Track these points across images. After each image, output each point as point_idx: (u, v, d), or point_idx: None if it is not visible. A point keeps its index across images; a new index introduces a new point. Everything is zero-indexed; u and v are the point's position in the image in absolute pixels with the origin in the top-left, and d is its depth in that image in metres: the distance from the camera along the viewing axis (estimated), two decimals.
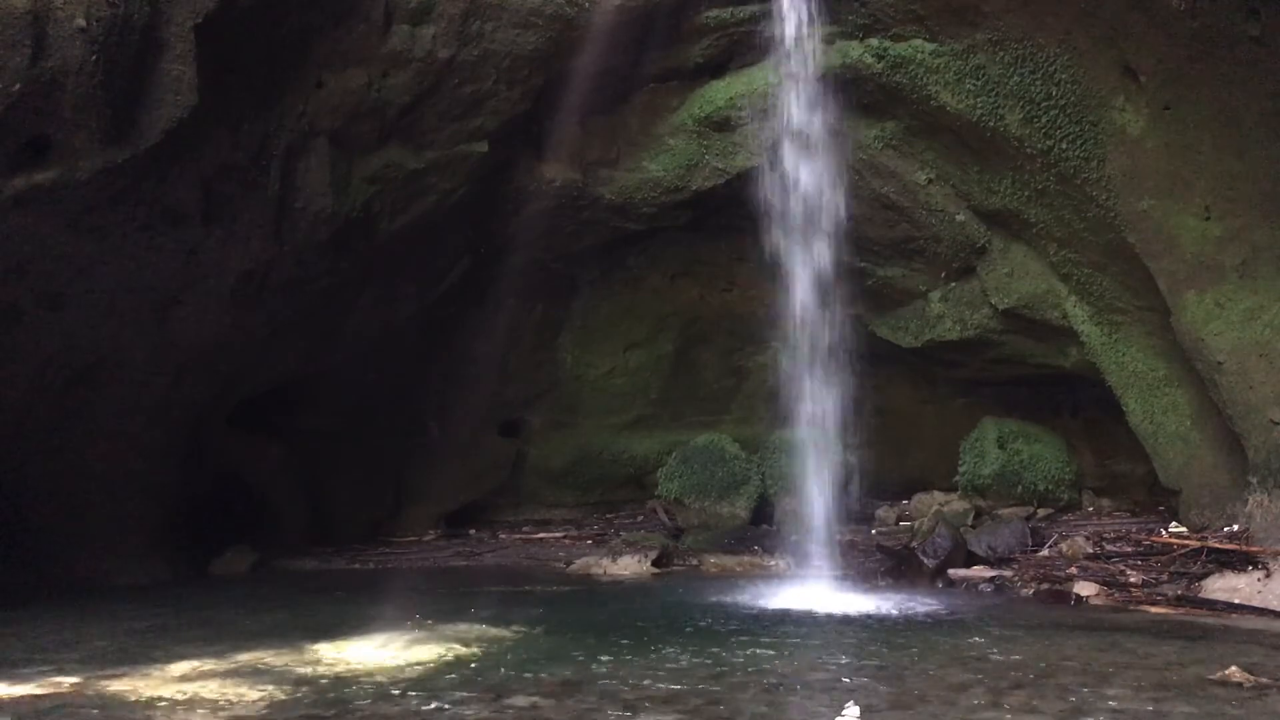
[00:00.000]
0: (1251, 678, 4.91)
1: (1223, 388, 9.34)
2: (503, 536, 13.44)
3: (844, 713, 2.13)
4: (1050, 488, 12.20)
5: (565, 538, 13.23)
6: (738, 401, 14.03)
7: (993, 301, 11.57)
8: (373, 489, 13.34)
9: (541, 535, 13.38)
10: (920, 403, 13.84)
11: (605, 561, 11.04)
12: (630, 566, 10.91)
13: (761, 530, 12.30)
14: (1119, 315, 10.64)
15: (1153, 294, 9.82)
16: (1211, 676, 4.97)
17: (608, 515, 14.09)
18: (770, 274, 11.41)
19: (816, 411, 11.10)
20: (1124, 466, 12.73)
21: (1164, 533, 9.70)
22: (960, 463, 12.58)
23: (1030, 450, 12.32)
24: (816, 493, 10.99)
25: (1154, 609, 7.84)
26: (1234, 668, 5.02)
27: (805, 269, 11.02)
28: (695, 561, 11.40)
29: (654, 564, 11.07)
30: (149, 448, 10.61)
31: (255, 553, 11.58)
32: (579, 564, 11.31)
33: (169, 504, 10.97)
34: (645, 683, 4.89)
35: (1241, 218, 9.03)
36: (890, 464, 13.07)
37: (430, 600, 8.58)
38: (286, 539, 12.29)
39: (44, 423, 9.67)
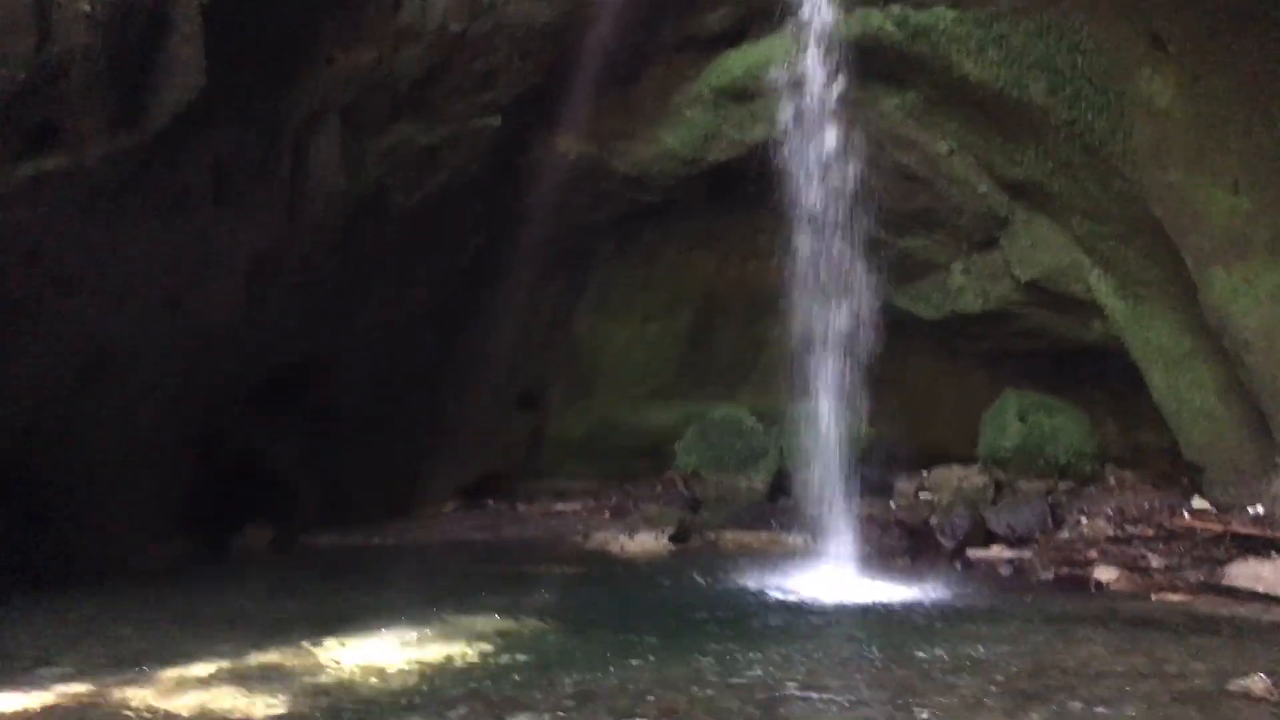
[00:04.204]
0: (1274, 691, 4.82)
1: (1250, 366, 9.19)
2: (521, 509, 13.45)
3: None
4: (1072, 460, 12.07)
5: (583, 510, 13.23)
6: (756, 373, 13.92)
7: (1015, 274, 11.40)
8: (390, 463, 13.32)
9: (559, 507, 13.38)
10: (940, 374, 13.70)
11: (622, 538, 11.03)
12: (647, 544, 10.89)
13: (779, 504, 12.24)
14: (1144, 289, 10.46)
15: (1179, 268, 9.63)
16: (1231, 688, 4.87)
17: (626, 486, 14.05)
18: (788, 246, 11.27)
19: (835, 384, 11.02)
20: (1148, 437, 12.57)
21: (1186, 514, 9.57)
22: (981, 435, 12.48)
23: (1052, 423, 12.19)
24: (835, 466, 10.92)
25: (1175, 597, 7.74)
26: (1256, 677, 4.93)
27: (824, 240, 10.88)
28: (713, 537, 11.36)
29: (671, 540, 11.05)
30: (166, 430, 10.63)
31: (274, 529, 11.63)
32: (596, 539, 11.30)
33: (187, 484, 11.00)
34: (653, 694, 4.85)
35: (1271, 192, 8.82)
36: (910, 436, 12.96)
37: (445, 583, 8.56)
38: (305, 515, 12.32)
39: (60, 408, 9.66)
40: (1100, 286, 10.80)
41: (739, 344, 13.90)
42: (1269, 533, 8.30)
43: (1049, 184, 10.34)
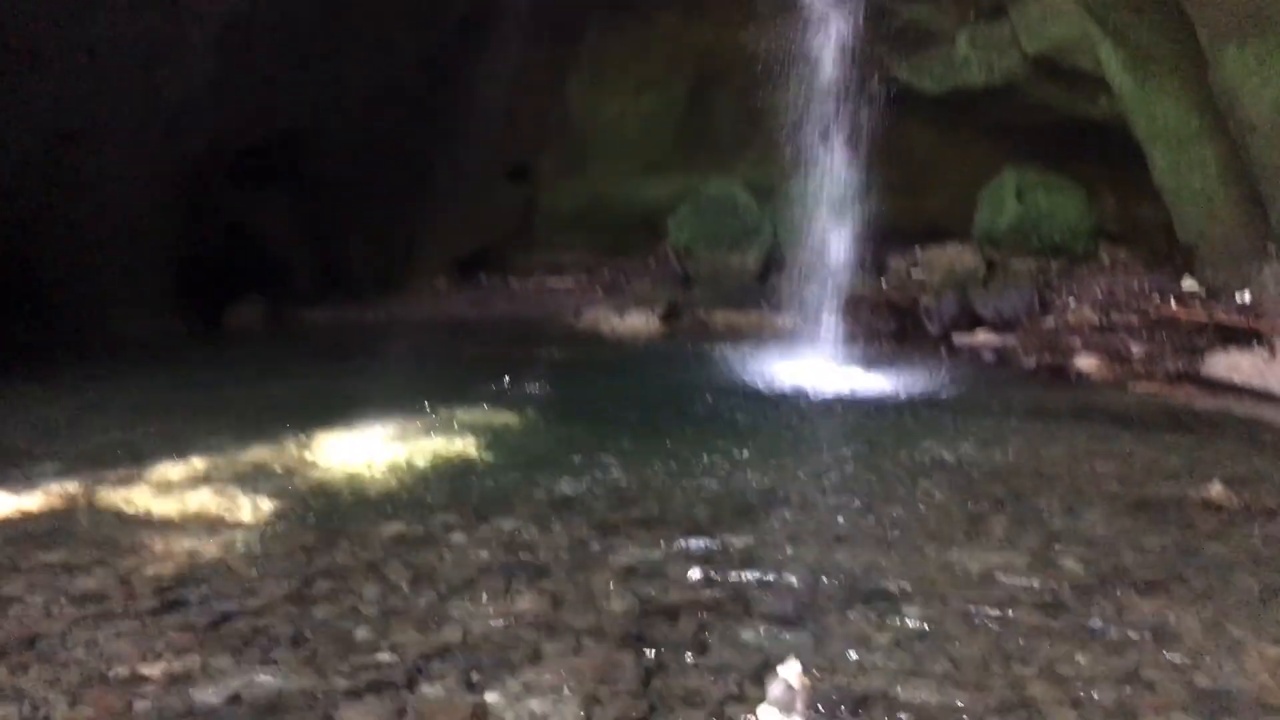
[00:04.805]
0: (1234, 497, 4.94)
1: (1254, 148, 8.99)
2: (513, 284, 13.47)
3: (784, 667, 2.16)
4: (1066, 239, 11.97)
5: (576, 286, 13.24)
6: (753, 146, 13.58)
7: (1023, 45, 10.97)
8: (382, 237, 13.28)
9: (552, 283, 13.39)
10: (940, 148, 13.37)
11: (614, 318, 11.10)
12: (637, 324, 10.97)
13: (771, 283, 12.23)
14: (1154, 65, 10.07)
15: (1191, 44, 9.26)
16: (1194, 496, 4.99)
17: (619, 261, 14.02)
18: (789, 11, 10.81)
19: (833, 156, 10.84)
20: (1146, 212, 12.39)
21: (1172, 301, 9.55)
22: (977, 213, 12.33)
23: (1049, 201, 12.03)
24: (827, 244, 10.88)
25: (1152, 387, 7.85)
26: (1217, 485, 5.04)
27: (826, 6, 10.46)
28: (703, 316, 11.43)
29: (662, 320, 11.11)
30: (152, 202, 10.56)
31: (267, 304, 11.68)
32: (588, 318, 11.37)
33: (179, 258, 10.99)
34: (630, 501, 4.98)
35: None
36: (906, 210, 12.77)
37: (433, 368, 8.67)
38: (298, 289, 12.36)
39: (43, 182, 9.57)
40: (1110, 61, 10.39)
41: (735, 116, 13.50)
42: (1252, 322, 8.31)
43: None
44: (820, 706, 2.94)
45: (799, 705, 2.27)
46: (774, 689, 2.28)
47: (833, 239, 10.91)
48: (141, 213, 10.51)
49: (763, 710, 2.31)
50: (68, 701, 3.08)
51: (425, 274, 13.51)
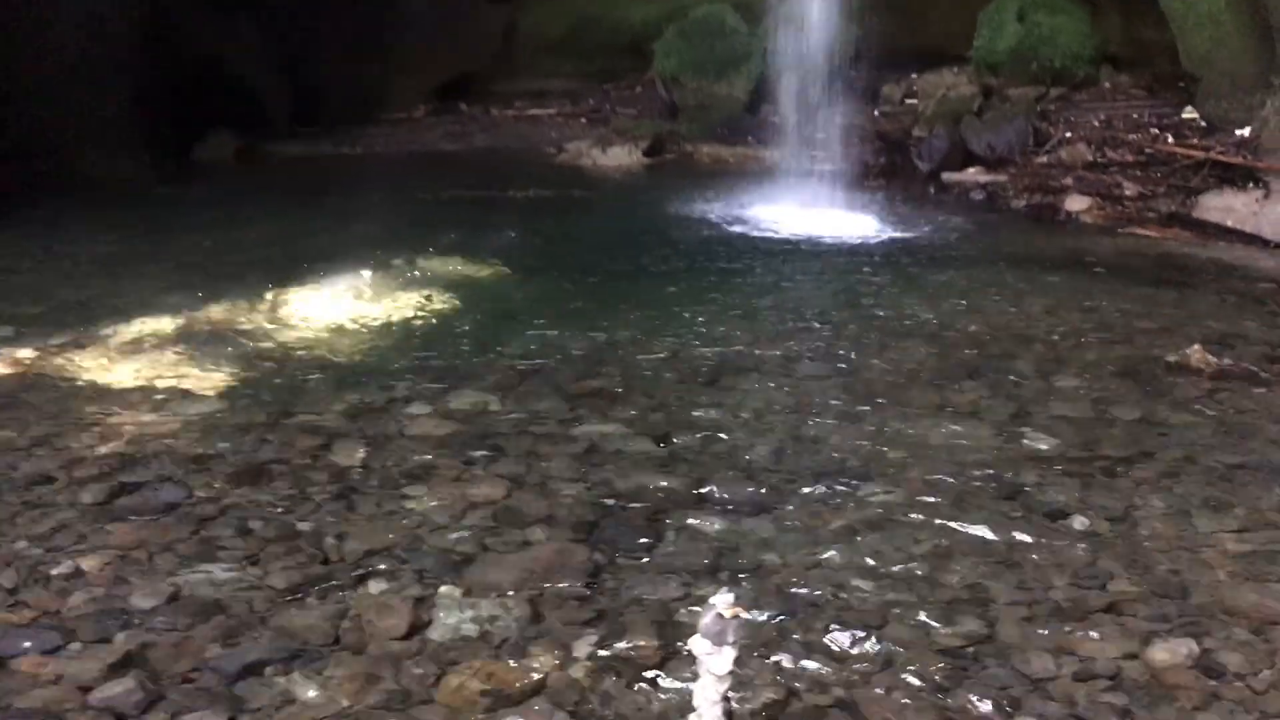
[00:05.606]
0: (1212, 360, 4.83)
1: None
2: (495, 113, 13.04)
3: (716, 597, 2.10)
4: (1067, 64, 11.51)
5: (559, 114, 12.82)
6: None
7: None
8: (358, 63, 12.75)
9: (534, 112, 12.95)
10: None
11: (595, 152, 10.78)
12: (620, 158, 10.66)
13: (759, 114, 11.80)
14: None
15: None
16: (1170, 359, 4.88)
17: (605, 86, 13.53)
18: None
19: None
20: (1151, 34, 11.91)
21: (1170, 136, 9.23)
22: (976, 36, 11.83)
23: (1052, 23, 11.52)
24: (819, 70, 10.47)
25: (1143, 231, 7.65)
26: (1197, 348, 4.92)
27: None
28: (689, 149, 11.10)
29: (645, 154, 10.79)
30: (115, 32, 10.14)
31: (239, 139, 11.32)
32: (570, 151, 11.06)
33: (146, 92, 10.58)
34: (594, 371, 4.84)
35: None
36: (904, 33, 12.20)
37: (406, 211, 8.43)
38: (272, 120, 11.96)
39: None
40: None
41: None
42: (1249, 161, 8.03)
43: None
44: (768, 609, 2.90)
45: (730, 636, 2.21)
46: (706, 620, 2.21)
47: (824, 65, 10.48)
48: (106, 43, 10.09)
49: (694, 642, 2.24)
50: (2, 601, 3.02)
51: (402, 104, 13.04)
